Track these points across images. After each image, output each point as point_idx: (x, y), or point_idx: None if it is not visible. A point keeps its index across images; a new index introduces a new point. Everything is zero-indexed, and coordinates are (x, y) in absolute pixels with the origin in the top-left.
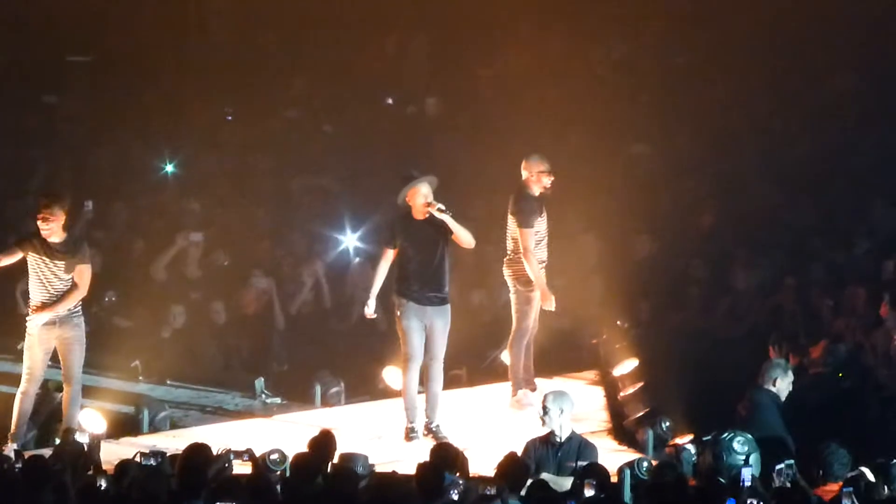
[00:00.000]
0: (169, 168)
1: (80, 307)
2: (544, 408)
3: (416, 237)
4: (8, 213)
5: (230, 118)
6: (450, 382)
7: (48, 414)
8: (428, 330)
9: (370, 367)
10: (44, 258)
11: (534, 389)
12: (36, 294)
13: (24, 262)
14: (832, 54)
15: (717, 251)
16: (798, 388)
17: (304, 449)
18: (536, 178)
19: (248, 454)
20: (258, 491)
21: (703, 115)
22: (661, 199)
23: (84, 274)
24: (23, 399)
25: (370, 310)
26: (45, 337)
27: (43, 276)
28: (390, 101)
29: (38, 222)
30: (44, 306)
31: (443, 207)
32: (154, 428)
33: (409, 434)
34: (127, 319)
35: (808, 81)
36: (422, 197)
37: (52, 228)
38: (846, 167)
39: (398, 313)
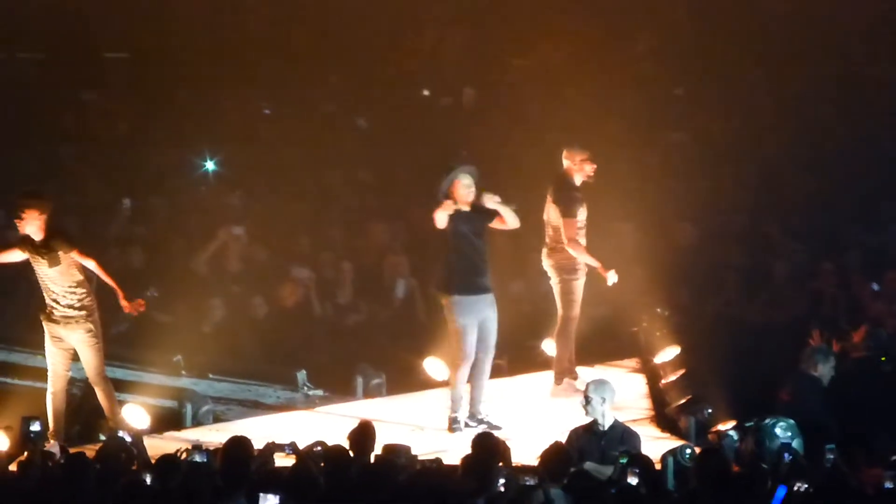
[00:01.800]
0: (209, 165)
1: (86, 305)
2: (587, 397)
3: (467, 228)
4: None
5: (268, 112)
6: (491, 372)
7: (91, 409)
8: (482, 323)
9: (410, 358)
10: (34, 256)
11: (575, 378)
12: (43, 294)
13: None
14: (868, 43)
15: (756, 238)
16: (840, 372)
17: (345, 441)
18: (579, 166)
19: (290, 447)
20: (301, 484)
21: (739, 104)
22: (699, 187)
23: (85, 258)
24: (52, 399)
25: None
26: (57, 335)
27: (38, 274)
28: (426, 92)
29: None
30: (46, 306)
31: (496, 198)
32: (197, 422)
33: (452, 425)
34: (168, 314)
35: (844, 69)
36: (464, 188)
37: (23, 227)
38: (882, 153)
39: (452, 312)
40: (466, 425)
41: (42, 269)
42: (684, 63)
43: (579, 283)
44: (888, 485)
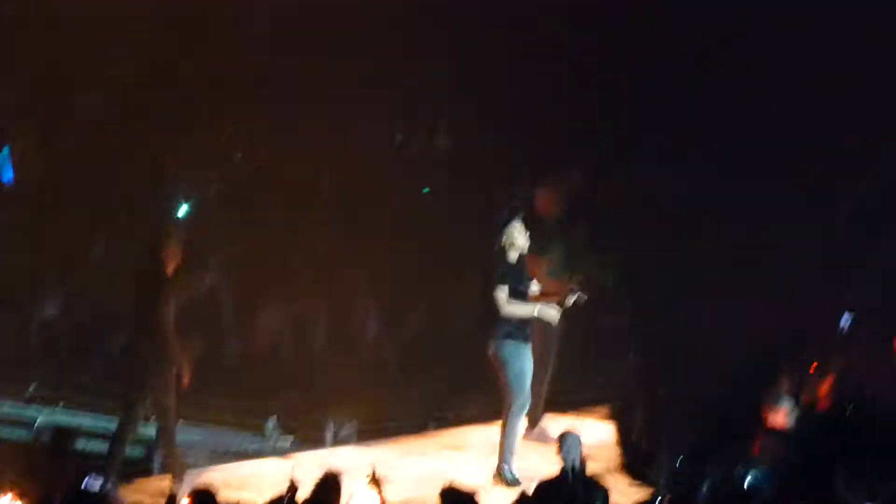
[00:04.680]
0: (183, 207)
1: None
2: (562, 446)
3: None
4: None
5: (239, 156)
6: (464, 420)
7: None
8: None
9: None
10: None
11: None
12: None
13: None
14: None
15: (729, 278)
16: (807, 420)
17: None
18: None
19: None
20: None
21: None
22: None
23: None
24: None
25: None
26: None
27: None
28: (398, 136)
29: None
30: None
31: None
32: (166, 470)
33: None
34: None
35: None
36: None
37: None
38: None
39: (522, 355)
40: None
41: None
42: None
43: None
44: None
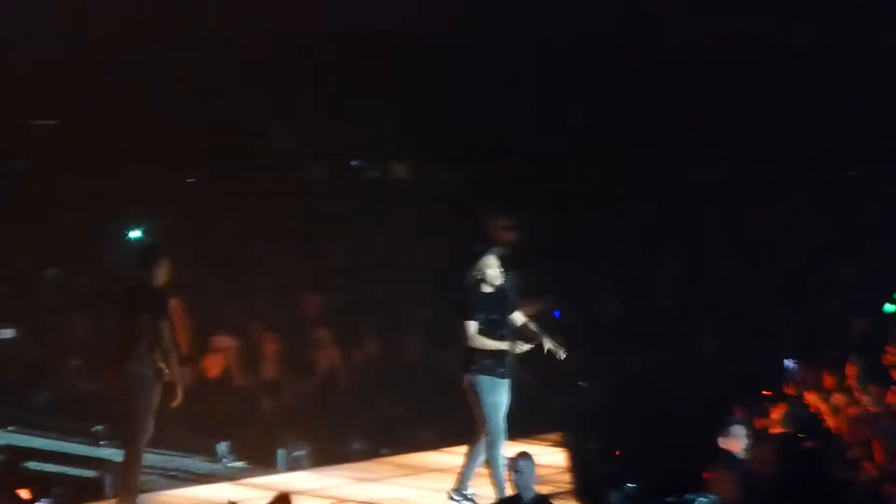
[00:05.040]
0: (136, 234)
1: None
2: (515, 470)
3: (504, 307)
4: None
5: (191, 181)
6: (418, 446)
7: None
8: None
9: (334, 431)
10: None
11: None
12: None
13: None
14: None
15: (684, 313)
16: (760, 449)
17: None
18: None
19: None
20: None
21: None
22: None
23: None
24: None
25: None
26: None
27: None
28: (354, 163)
29: None
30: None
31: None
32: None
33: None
34: (94, 383)
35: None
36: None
37: None
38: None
39: (496, 390)
40: (451, 498)
41: None
42: None
43: None
44: None
